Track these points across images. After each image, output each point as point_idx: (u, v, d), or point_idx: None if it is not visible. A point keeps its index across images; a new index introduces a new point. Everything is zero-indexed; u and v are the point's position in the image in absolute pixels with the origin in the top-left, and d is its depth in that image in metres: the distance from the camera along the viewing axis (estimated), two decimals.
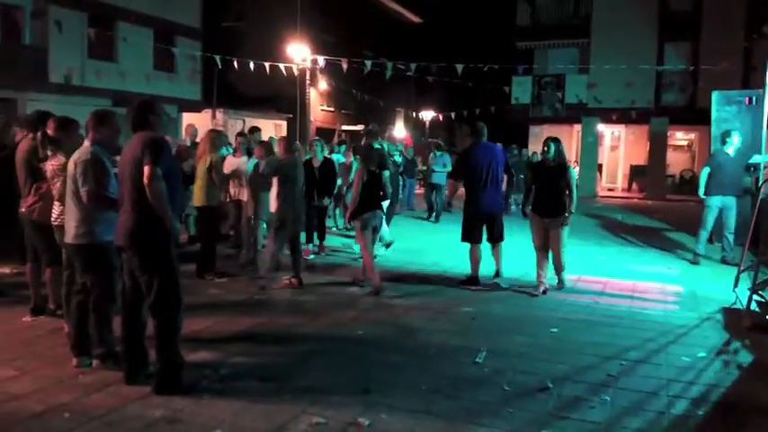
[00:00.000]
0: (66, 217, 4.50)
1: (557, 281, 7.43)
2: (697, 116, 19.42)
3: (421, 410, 3.97)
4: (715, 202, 9.14)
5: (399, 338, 5.47)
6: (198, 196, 7.71)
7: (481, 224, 7.48)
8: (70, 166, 4.40)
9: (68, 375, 4.40)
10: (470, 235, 7.46)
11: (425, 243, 10.89)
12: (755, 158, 9.25)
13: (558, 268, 7.39)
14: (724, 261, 9.16)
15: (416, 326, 5.85)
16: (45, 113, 5.50)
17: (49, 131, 4.98)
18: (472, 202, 7.40)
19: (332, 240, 10.32)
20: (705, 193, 9.21)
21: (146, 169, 3.92)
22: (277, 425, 3.73)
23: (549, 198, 7.17)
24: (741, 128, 10.85)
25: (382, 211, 7.35)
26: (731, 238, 9.18)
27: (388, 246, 9.73)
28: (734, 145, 9.19)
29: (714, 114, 11.21)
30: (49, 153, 4.94)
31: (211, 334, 5.43)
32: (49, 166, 4.89)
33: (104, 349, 4.51)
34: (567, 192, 7.08)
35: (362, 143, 8.59)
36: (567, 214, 7.07)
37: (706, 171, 9.31)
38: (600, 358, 5.04)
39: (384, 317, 6.16)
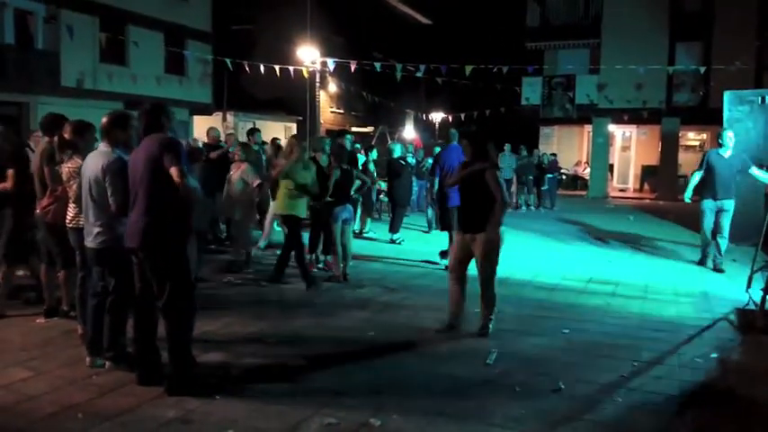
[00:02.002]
0: (87, 221, 4.51)
1: (480, 324, 5.63)
2: (709, 116, 19.30)
3: (433, 411, 3.97)
4: (708, 205, 8.84)
5: (411, 339, 5.46)
6: (281, 204, 7.55)
7: (451, 214, 8.23)
8: (94, 170, 4.38)
9: (82, 376, 4.43)
10: (443, 224, 8.68)
11: (436, 245, 10.87)
12: (754, 172, 8.71)
13: (484, 303, 5.63)
14: (716, 268, 8.77)
15: (428, 327, 5.84)
16: (60, 117, 5.55)
17: (66, 135, 5.03)
18: (443, 196, 8.32)
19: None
20: (696, 196, 8.99)
21: (174, 171, 3.96)
22: (289, 425, 3.74)
23: (468, 207, 5.74)
24: (754, 128, 10.78)
25: (352, 204, 8.04)
26: (723, 243, 8.80)
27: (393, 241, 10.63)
28: (728, 145, 8.80)
29: (726, 114, 11.13)
30: (65, 156, 4.99)
31: (223, 335, 5.46)
32: (65, 168, 4.93)
33: (116, 351, 4.54)
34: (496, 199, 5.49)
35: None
36: (488, 230, 5.46)
37: (697, 175, 9.03)
38: (612, 359, 5.02)
39: (395, 318, 6.16)
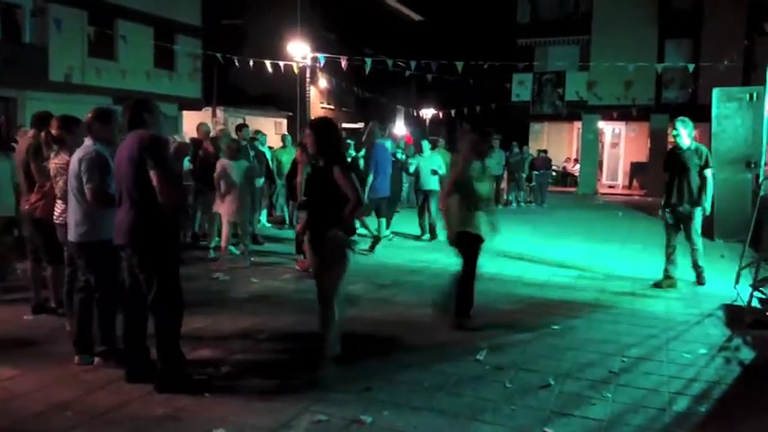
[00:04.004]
0: (69, 215, 4.51)
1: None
2: (698, 113, 19.36)
3: (423, 408, 3.97)
4: (667, 214, 7.46)
5: (401, 336, 5.46)
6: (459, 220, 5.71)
7: (375, 204, 9.51)
8: (74, 163, 4.41)
9: (70, 373, 4.40)
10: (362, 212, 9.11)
11: (424, 241, 10.88)
12: (707, 173, 7.19)
13: (322, 323, 4.72)
14: (698, 281, 7.52)
15: (418, 323, 5.85)
16: (48, 114, 5.56)
17: (53, 130, 5.01)
18: (370, 188, 9.25)
19: None
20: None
21: (155, 174, 3.93)
22: (279, 422, 3.73)
23: (312, 210, 4.74)
24: (742, 125, 10.87)
25: None
26: (697, 256, 7.42)
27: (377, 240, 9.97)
28: (681, 140, 7.28)
29: (715, 111, 11.22)
30: (51, 152, 4.96)
31: (213, 331, 5.44)
32: (52, 164, 4.91)
33: (106, 347, 4.52)
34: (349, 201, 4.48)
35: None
36: (329, 235, 4.50)
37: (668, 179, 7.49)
38: (601, 355, 5.04)
39: (385, 314, 6.16)
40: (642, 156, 25.78)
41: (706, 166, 7.21)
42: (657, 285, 7.46)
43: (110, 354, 4.50)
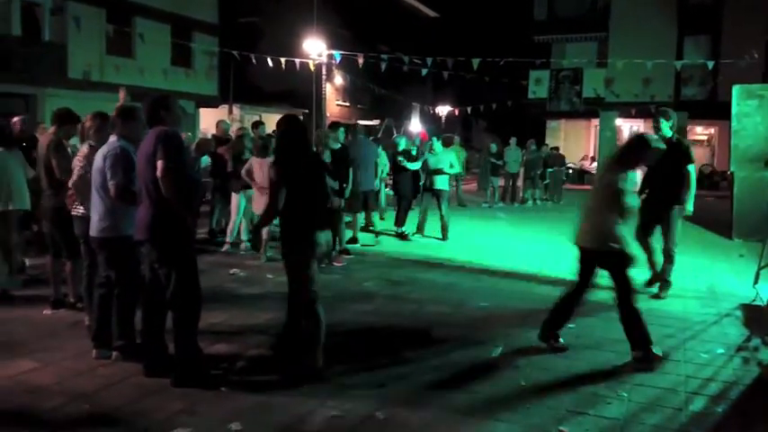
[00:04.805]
0: (92, 210, 4.56)
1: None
2: (717, 110, 19.18)
3: (438, 405, 3.97)
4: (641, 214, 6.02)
5: (416, 333, 5.47)
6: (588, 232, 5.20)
7: (360, 198, 9.57)
8: (99, 159, 4.46)
9: (89, 367, 4.45)
10: (352, 207, 9.27)
11: (435, 238, 10.87)
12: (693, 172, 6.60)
13: (307, 336, 4.43)
14: (658, 295, 6.80)
15: (433, 320, 5.85)
16: (69, 111, 5.69)
17: (87, 124, 5.15)
18: (353, 182, 9.05)
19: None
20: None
21: (159, 164, 3.97)
22: (295, 418, 3.75)
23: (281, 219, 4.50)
24: (762, 122, 10.73)
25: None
26: (668, 266, 6.81)
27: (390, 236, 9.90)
28: (665, 131, 6.79)
29: (734, 108, 11.07)
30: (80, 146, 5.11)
31: (229, 327, 5.47)
32: (77, 158, 5.03)
33: (125, 341, 4.56)
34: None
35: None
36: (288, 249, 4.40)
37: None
38: (617, 354, 5.00)
39: (401, 311, 6.16)
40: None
41: (688, 161, 6.54)
42: (656, 296, 6.78)
43: (128, 348, 4.54)
